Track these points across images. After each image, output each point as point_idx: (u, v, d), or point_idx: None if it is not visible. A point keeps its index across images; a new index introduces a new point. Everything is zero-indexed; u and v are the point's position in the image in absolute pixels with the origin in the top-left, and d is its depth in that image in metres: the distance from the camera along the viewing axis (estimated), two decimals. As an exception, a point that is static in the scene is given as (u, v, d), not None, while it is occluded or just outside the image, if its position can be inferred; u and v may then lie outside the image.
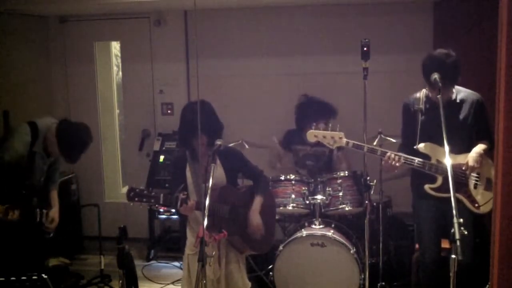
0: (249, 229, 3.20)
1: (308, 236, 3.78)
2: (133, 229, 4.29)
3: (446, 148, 2.74)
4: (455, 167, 3.12)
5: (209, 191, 2.68)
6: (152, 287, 4.56)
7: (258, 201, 3.24)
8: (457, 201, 2.59)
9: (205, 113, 3.03)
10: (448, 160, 2.68)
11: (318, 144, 3.48)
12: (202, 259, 2.48)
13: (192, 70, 5.37)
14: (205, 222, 2.56)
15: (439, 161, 3.24)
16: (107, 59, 5.91)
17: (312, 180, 4.14)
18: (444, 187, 3.13)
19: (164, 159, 5.15)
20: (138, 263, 4.60)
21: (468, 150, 3.29)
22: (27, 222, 3.43)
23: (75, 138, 3.51)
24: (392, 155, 3.25)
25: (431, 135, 3.25)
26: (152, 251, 5.20)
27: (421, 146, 3.29)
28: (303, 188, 4.05)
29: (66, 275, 4.69)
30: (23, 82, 5.11)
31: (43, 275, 2.86)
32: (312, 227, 3.90)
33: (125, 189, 4.08)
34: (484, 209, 3.28)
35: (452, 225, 2.29)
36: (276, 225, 3.72)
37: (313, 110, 4.31)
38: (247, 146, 4.43)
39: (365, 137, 3.38)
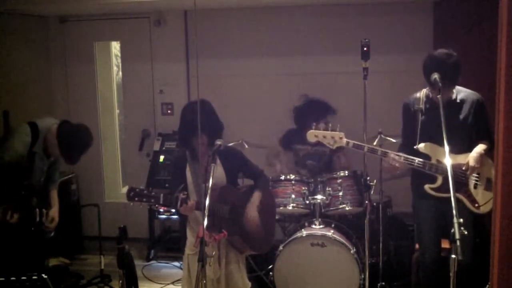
0: (244, 221, 3.19)
1: (308, 236, 3.78)
2: (133, 229, 4.29)
3: (446, 148, 2.74)
4: (455, 167, 3.12)
5: (209, 191, 2.67)
6: (152, 287, 4.56)
7: (256, 196, 3.25)
8: (457, 201, 2.59)
9: (205, 113, 3.02)
10: (448, 160, 2.68)
11: (319, 144, 3.48)
12: (202, 259, 2.48)
13: (192, 70, 5.36)
14: (205, 222, 2.56)
15: (439, 161, 3.24)
16: (107, 59, 5.91)
17: (312, 180, 4.13)
18: (444, 187, 3.13)
19: (164, 159, 5.15)
20: (138, 263, 4.60)
21: (468, 150, 3.29)
22: (27, 222, 3.43)
23: (76, 139, 3.50)
24: (396, 157, 3.25)
25: (431, 135, 3.24)
26: (152, 251, 5.20)
27: (421, 146, 3.29)
28: (303, 188, 4.05)
29: (66, 275, 4.69)
30: (23, 82, 5.11)
31: (43, 275, 2.85)
32: (312, 227, 3.90)
33: (125, 189, 4.08)
34: (484, 209, 3.28)
35: (452, 225, 2.29)
36: (276, 225, 3.72)
37: (313, 110, 4.31)
38: (247, 146, 4.44)
39: (365, 137, 3.37)
